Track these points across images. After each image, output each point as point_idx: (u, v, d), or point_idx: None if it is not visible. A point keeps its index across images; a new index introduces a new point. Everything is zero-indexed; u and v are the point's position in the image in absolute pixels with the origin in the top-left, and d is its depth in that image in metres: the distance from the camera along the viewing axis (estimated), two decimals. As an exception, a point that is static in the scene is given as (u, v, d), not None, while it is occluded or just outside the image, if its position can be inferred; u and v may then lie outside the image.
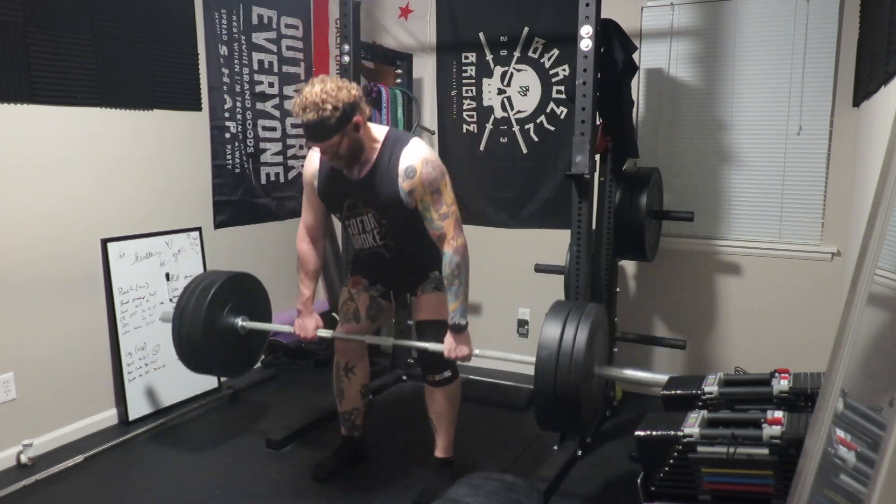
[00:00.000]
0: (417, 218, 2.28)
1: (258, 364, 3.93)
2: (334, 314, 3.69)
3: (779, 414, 2.17)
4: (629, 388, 3.54)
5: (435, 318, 2.41)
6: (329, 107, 2.03)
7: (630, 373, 2.22)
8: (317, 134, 2.09)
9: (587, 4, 2.48)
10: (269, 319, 2.87)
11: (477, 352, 2.34)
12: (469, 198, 3.96)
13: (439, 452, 2.60)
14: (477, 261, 3.83)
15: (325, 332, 2.56)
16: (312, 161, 2.38)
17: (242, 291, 2.76)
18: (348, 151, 2.16)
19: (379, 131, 2.28)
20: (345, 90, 2.09)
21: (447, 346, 2.32)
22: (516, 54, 3.71)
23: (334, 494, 2.59)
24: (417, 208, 2.26)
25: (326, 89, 2.05)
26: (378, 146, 2.24)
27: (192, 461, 2.82)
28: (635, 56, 2.95)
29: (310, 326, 2.52)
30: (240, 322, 2.69)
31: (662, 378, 2.12)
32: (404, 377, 3.74)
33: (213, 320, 2.61)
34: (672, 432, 2.23)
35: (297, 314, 2.56)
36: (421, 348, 2.43)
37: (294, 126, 4.12)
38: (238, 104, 3.72)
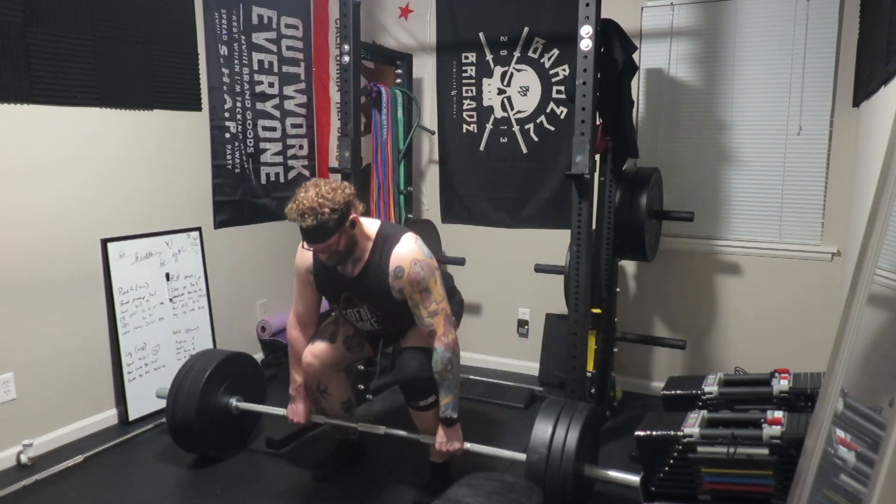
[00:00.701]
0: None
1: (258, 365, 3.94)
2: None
3: (779, 414, 2.17)
4: (629, 388, 3.55)
5: (421, 345, 2.39)
6: (327, 210, 2.11)
7: (614, 474, 2.27)
8: (316, 237, 2.15)
9: (587, 4, 2.48)
10: (263, 397, 2.98)
11: (468, 446, 2.40)
12: (469, 198, 3.96)
13: (435, 458, 2.57)
14: (477, 261, 3.86)
15: (318, 418, 2.65)
16: (306, 255, 2.43)
17: (238, 372, 2.87)
18: (345, 248, 2.23)
19: (371, 227, 2.34)
20: (339, 191, 2.17)
21: (438, 439, 2.38)
22: (516, 54, 3.71)
23: (334, 494, 2.59)
24: (408, 304, 2.32)
25: (322, 193, 2.13)
26: (370, 243, 2.31)
27: (191, 461, 2.82)
28: (635, 56, 2.94)
29: (302, 411, 2.60)
30: (234, 402, 2.80)
31: (634, 480, 2.19)
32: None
33: (209, 399, 2.72)
34: (672, 432, 2.23)
35: (291, 399, 2.62)
36: (412, 439, 2.50)
37: (294, 126, 4.12)
38: (238, 104, 3.72)
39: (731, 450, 2.12)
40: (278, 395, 3.58)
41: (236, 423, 2.85)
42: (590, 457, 2.33)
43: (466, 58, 3.86)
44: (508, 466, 2.51)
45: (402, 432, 2.56)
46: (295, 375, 2.58)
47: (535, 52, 3.67)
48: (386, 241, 2.30)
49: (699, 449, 2.18)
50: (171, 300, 3.35)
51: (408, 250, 2.27)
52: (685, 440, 2.19)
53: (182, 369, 2.77)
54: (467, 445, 2.40)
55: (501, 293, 3.91)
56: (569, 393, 2.69)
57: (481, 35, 3.79)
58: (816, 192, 3.14)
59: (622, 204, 3.02)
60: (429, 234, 3.83)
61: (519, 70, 3.73)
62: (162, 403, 3.24)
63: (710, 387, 2.52)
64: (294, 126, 4.12)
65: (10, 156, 2.70)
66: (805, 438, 1.88)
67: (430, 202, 4.08)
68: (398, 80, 3.85)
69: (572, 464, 2.11)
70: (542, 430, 2.20)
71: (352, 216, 2.20)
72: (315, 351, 2.53)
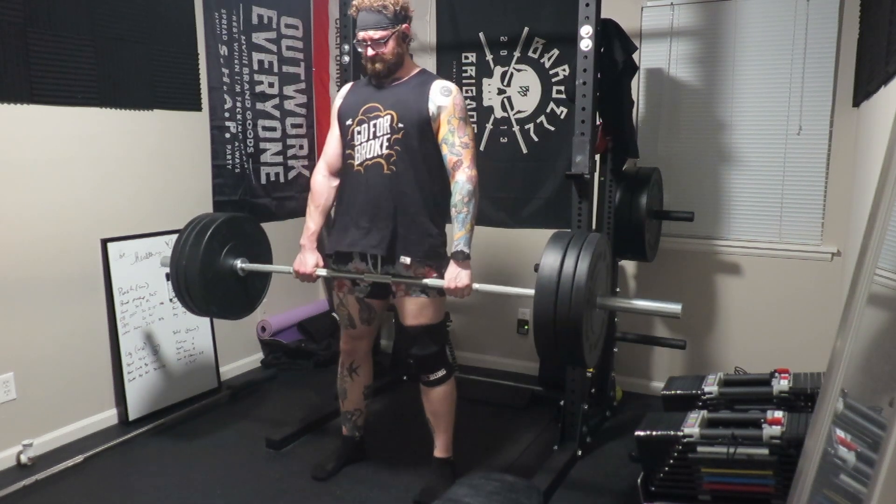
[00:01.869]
0: (429, 149, 2.33)
1: (258, 366, 3.94)
2: (334, 314, 3.70)
3: (779, 414, 2.17)
4: (629, 388, 3.55)
5: (422, 322, 2.41)
6: (390, 3, 2.25)
7: (638, 303, 2.16)
8: (374, 20, 2.25)
9: (587, 4, 2.48)
10: (269, 261, 2.82)
11: (476, 286, 2.28)
12: (469, 198, 3.95)
13: (438, 452, 2.60)
14: (477, 261, 3.85)
15: (323, 271, 2.51)
16: (342, 91, 2.52)
17: (242, 233, 2.71)
18: (391, 56, 2.30)
19: (417, 65, 2.46)
20: (403, 2, 2.30)
21: (448, 275, 2.27)
22: (516, 54, 3.71)
23: (334, 494, 2.59)
24: (438, 132, 2.32)
25: None
26: (415, 70, 2.42)
27: (192, 461, 2.82)
28: (635, 56, 2.95)
29: (310, 262, 2.48)
30: (239, 263, 2.65)
31: (674, 308, 1.99)
32: (404, 377, 3.73)
33: (212, 261, 2.56)
34: (672, 432, 2.23)
35: (300, 249, 2.51)
36: (421, 286, 2.35)
37: (294, 126, 4.12)
38: (238, 104, 3.72)
39: (731, 450, 2.12)
40: (279, 394, 3.59)
41: (244, 285, 2.71)
42: (606, 289, 2.19)
43: (466, 58, 3.86)
44: (508, 466, 2.51)
45: (406, 280, 2.38)
46: (310, 223, 2.51)
47: (535, 52, 3.67)
48: (429, 75, 2.42)
49: (699, 449, 2.17)
50: (171, 300, 3.35)
51: (453, 85, 2.36)
52: (685, 440, 2.19)
53: (181, 236, 2.59)
54: (476, 286, 2.29)
55: (501, 293, 3.90)
56: (569, 393, 2.69)
57: (481, 35, 3.79)
58: (816, 192, 3.14)
59: (622, 204, 3.02)
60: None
61: (519, 70, 3.73)
62: (161, 403, 3.26)
63: (710, 387, 2.52)
64: (294, 126, 4.12)
65: (10, 156, 2.70)
66: (805, 438, 1.88)
67: (430, 202, 4.07)
68: (398, 80, 3.84)
69: (584, 284, 1.93)
70: (551, 257, 2.02)
71: (405, 26, 2.31)
72: (352, 336, 2.62)
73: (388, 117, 2.32)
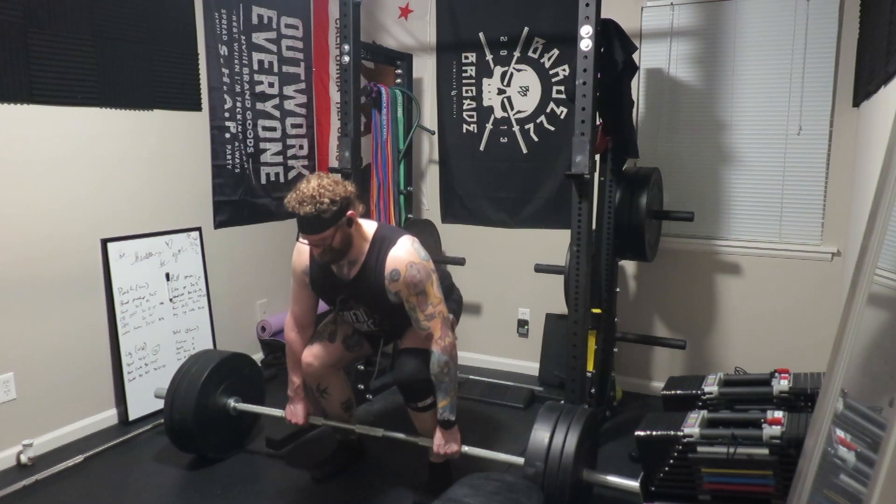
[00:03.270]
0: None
1: (258, 365, 3.94)
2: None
3: (779, 414, 2.17)
4: (629, 388, 3.55)
5: (419, 346, 2.38)
6: (326, 200, 2.11)
7: (613, 479, 2.26)
8: (313, 227, 2.15)
9: (587, 4, 2.48)
10: (262, 401, 2.97)
11: (465, 449, 2.40)
12: (469, 198, 3.96)
13: (434, 458, 2.57)
14: (477, 261, 3.86)
15: (316, 420, 2.65)
16: (302, 256, 2.43)
17: (237, 373, 2.87)
18: (340, 245, 2.22)
19: (369, 228, 2.34)
20: (341, 186, 2.19)
21: (436, 442, 2.37)
22: (516, 54, 3.71)
23: (334, 494, 2.59)
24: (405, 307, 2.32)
25: (323, 184, 2.15)
26: (367, 245, 2.31)
27: (192, 461, 2.82)
28: (635, 56, 2.94)
29: (300, 413, 2.60)
30: (231, 403, 2.79)
31: (634, 485, 2.19)
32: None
33: (206, 400, 2.72)
34: (672, 432, 2.23)
35: (289, 400, 2.62)
36: (412, 442, 2.50)
37: (294, 126, 4.12)
38: (238, 104, 3.72)
39: (731, 450, 2.12)
40: (278, 395, 3.58)
41: (234, 423, 2.85)
42: (589, 461, 2.33)
43: (466, 58, 3.86)
44: (508, 468, 2.51)
45: (400, 435, 2.55)
46: (293, 377, 2.58)
47: (535, 52, 3.67)
48: (382, 244, 2.29)
49: (699, 449, 2.17)
50: (171, 300, 3.35)
51: (404, 253, 2.26)
52: (685, 440, 2.19)
53: (180, 370, 2.77)
54: (465, 448, 2.40)
55: (501, 293, 3.91)
56: (569, 393, 2.69)
57: (481, 35, 3.79)
58: (816, 192, 3.14)
59: (622, 204, 3.02)
60: (429, 234, 3.83)
61: (519, 70, 3.73)
62: (161, 403, 3.25)
63: (710, 387, 2.52)
64: (294, 126, 4.12)
65: (10, 156, 2.70)
66: (805, 438, 1.88)
67: (430, 202, 4.08)
68: (398, 80, 3.85)
69: (570, 471, 2.11)
70: (539, 436, 2.19)
71: (350, 213, 2.20)
72: (314, 351, 2.53)
73: (363, 309, 2.41)
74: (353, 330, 2.59)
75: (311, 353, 2.53)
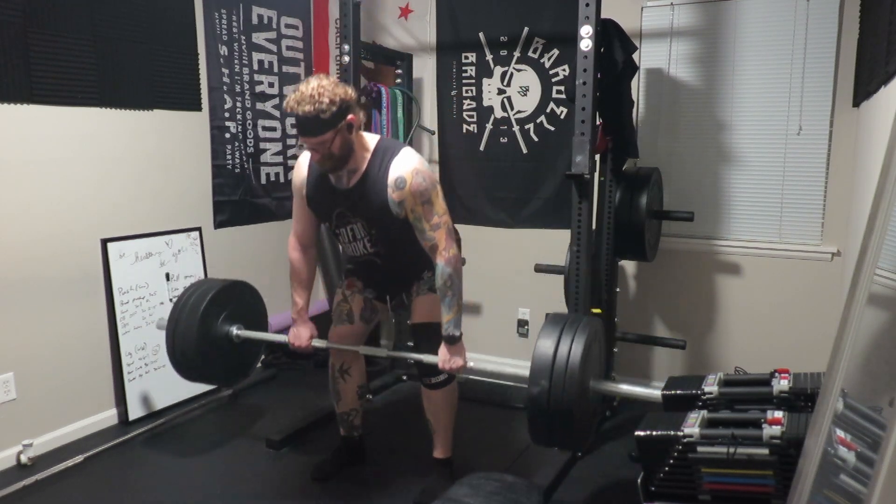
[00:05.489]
0: (408, 226, 2.27)
1: (259, 365, 3.94)
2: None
3: (779, 414, 2.17)
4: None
5: (430, 320, 2.40)
6: (326, 100, 2.03)
7: (625, 387, 2.20)
8: (311, 128, 2.07)
9: (587, 4, 2.48)
10: (264, 328, 2.87)
11: (471, 363, 2.34)
12: (469, 198, 3.96)
13: (438, 453, 2.60)
14: (477, 261, 3.86)
15: (319, 342, 2.58)
16: (301, 169, 2.37)
17: (238, 300, 2.78)
18: (339, 152, 2.13)
19: (370, 140, 2.26)
20: (341, 87, 2.10)
21: (441, 357, 2.31)
22: (516, 54, 3.71)
23: (334, 494, 2.59)
24: (408, 218, 2.24)
25: (323, 84, 2.06)
26: (368, 155, 2.22)
27: (191, 461, 2.82)
28: (635, 56, 2.95)
29: (304, 335, 2.54)
30: (234, 330, 2.71)
31: (655, 393, 2.13)
32: (404, 377, 3.74)
33: (208, 328, 2.62)
34: (672, 432, 2.23)
35: (293, 323, 2.56)
36: (416, 360, 2.43)
37: (294, 125, 4.11)
38: (238, 104, 3.72)
39: (731, 450, 2.11)
40: (280, 391, 3.59)
41: (238, 351, 2.75)
42: (599, 371, 2.21)
43: (466, 58, 3.86)
44: (508, 466, 2.51)
45: (403, 354, 2.56)
46: (296, 298, 2.53)
47: (535, 52, 3.67)
48: (385, 153, 2.21)
49: (699, 449, 2.17)
50: (171, 300, 3.35)
51: (409, 161, 2.19)
52: (685, 440, 2.19)
53: (180, 299, 2.66)
54: (471, 364, 2.33)
55: (501, 293, 3.91)
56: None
57: (481, 35, 3.79)
58: (816, 192, 3.14)
59: (622, 204, 3.02)
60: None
61: (519, 70, 3.73)
62: (161, 403, 3.26)
63: (710, 387, 2.52)
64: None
65: (10, 156, 2.70)
66: (805, 438, 1.88)
67: (430, 202, 4.07)
68: (398, 80, 3.85)
69: (577, 377, 1.98)
70: (545, 342, 2.05)
71: (350, 117, 2.11)
72: (341, 334, 2.56)
73: (360, 224, 2.32)
74: (364, 301, 2.56)
75: (339, 336, 2.56)
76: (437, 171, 4.02)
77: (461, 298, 2.30)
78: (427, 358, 2.37)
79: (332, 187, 2.28)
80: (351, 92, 2.13)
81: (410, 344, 2.77)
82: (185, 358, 2.61)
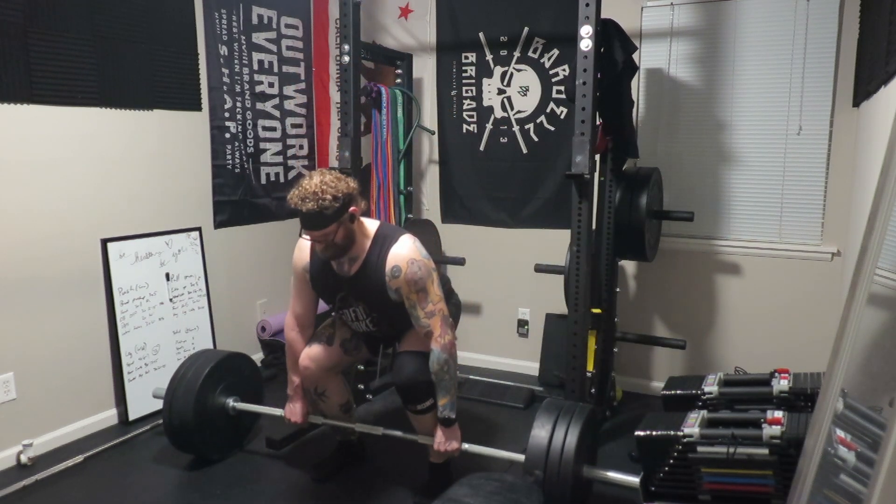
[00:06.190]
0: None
1: (258, 366, 3.94)
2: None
3: (779, 414, 2.18)
4: (629, 388, 3.54)
5: (418, 349, 2.37)
6: (329, 196, 2.12)
7: (613, 475, 2.25)
8: (315, 223, 2.15)
9: (587, 4, 2.48)
10: (260, 398, 2.97)
11: (466, 446, 2.40)
12: (469, 198, 3.96)
13: (434, 458, 2.57)
14: (477, 261, 3.86)
15: (316, 419, 2.65)
16: (303, 253, 2.43)
17: (235, 372, 2.87)
18: (342, 241, 2.21)
19: (371, 226, 2.34)
20: (343, 182, 2.19)
21: (437, 440, 2.37)
22: (516, 54, 3.71)
23: (334, 494, 2.59)
24: (404, 304, 2.31)
25: (326, 181, 2.15)
26: (369, 242, 2.30)
27: (192, 461, 2.81)
28: (635, 56, 2.95)
29: (300, 411, 2.60)
30: (230, 403, 2.79)
31: (634, 481, 2.17)
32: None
33: (205, 402, 2.71)
34: (672, 432, 2.23)
35: (289, 399, 2.62)
36: (410, 439, 2.49)
37: (294, 126, 4.12)
38: (238, 104, 3.72)
39: (731, 450, 2.12)
40: (278, 394, 3.58)
41: (233, 423, 2.85)
42: (589, 457, 2.33)
43: (466, 58, 3.86)
44: (508, 467, 2.51)
45: (399, 433, 2.55)
46: (293, 376, 2.58)
47: (535, 52, 3.67)
48: (384, 241, 2.30)
49: (699, 449, 2.18)
50: (171, 300, 3.35)
51: (406, 250, 2.27)
52: (685, 440, 2.19)
53: (179, 370, 2.77)
54: (465, 446, 2.40)
55: (501, 293, 3.91)
56: (569, 393, 2.69)
57: (481, 35, 3.79)
58: (816, 192, 3.14)
59: (622, 204, 3.02)
60: (429, 234, 3.83)
61: (519, 70, 3.73)
62: (161, 403, 3.25)
63: (710, 387, 2.52)
64: (294, 126, 4.12)
65: (10, 156, 2.70)
66: (805, 438, 1.88)
67: (430, 202, 4.08)
68: (398, 80, 3.85)
69: (571, 466, 2.11)
70: (540, 432, 2.19)
71: (352, 209, 2.21)
72: (312, 354, 2.52)
73: (361, 307, 2.40)
74: (352, 333, 2.59)
75: (309, 356, 2.52)
76: (437, 171, 4.03)
77: (456, 383, 2.37)
78: (421, 439, 2.45)
79: (334, 274, 2.36)
80: (353, 184, 2.22)
81: (390, 352, 2.80)
82: (181, 428, 2.68)
